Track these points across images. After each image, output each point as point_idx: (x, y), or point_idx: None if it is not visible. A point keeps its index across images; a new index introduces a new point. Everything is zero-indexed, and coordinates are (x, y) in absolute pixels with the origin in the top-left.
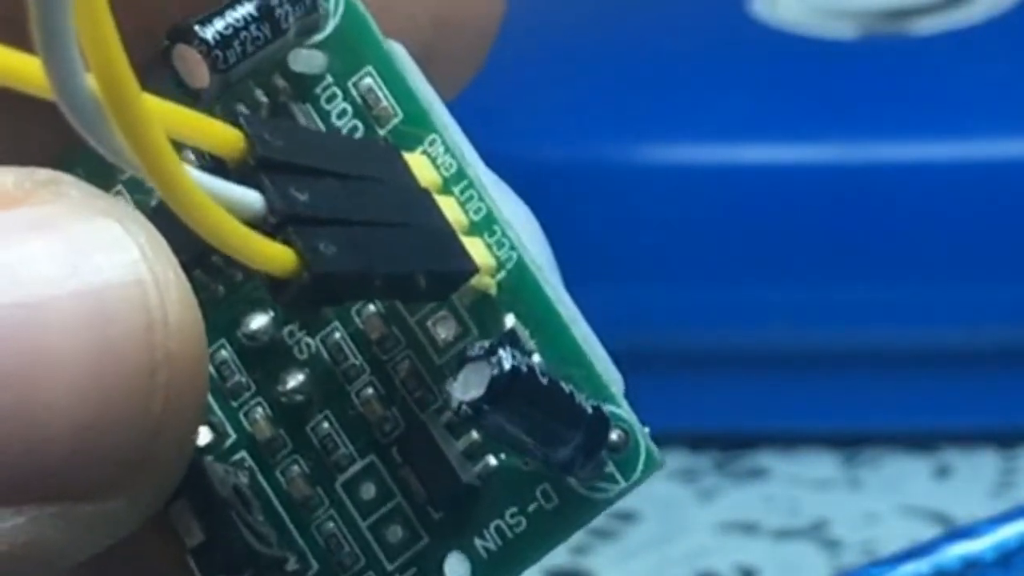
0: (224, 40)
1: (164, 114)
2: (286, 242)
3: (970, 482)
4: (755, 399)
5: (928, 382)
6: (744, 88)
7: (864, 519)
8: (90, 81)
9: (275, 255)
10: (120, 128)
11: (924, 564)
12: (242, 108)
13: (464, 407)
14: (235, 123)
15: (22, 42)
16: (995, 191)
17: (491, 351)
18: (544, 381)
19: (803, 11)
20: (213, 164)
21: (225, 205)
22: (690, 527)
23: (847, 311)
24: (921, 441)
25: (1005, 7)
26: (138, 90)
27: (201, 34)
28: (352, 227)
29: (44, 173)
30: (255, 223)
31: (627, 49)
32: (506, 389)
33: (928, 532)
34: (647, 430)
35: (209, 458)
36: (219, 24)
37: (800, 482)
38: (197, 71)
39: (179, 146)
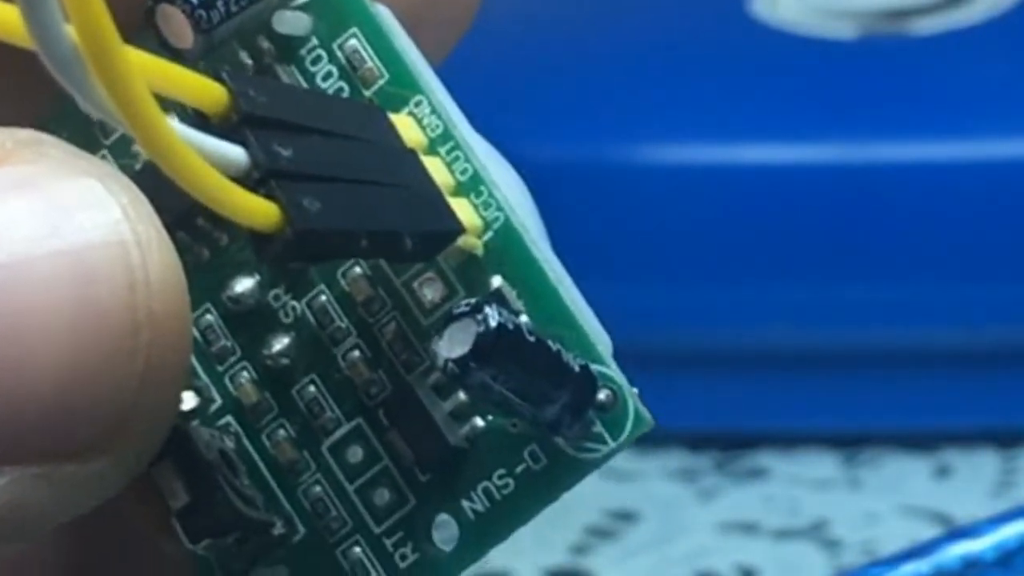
0: (206, 1)
1: (146, 67)
2: (269, 196)
3: (970, 482)
4: (755, 399)
5: (928, 382)
6: (744, 88)
7: (864, 519)
8: (71, 31)
9: (258, 209)
10: (101, 80)
11: (924, 564)
12: (229, 62)
13: (450, 364)
14: (219, 79)
15: None
16: (995, 191)
17: (477, 308)
18: (531, 339)
19: (803, 11)
20: (196, 119)
21: (209, 159)
22: (690, 527)
23: (847, 311)
24: (921, 441)
25: (1005, 7)
26: (119, 41)
27: None
28: (337, 184)
29: (25, 133)
30: (239, 178)
31: (627, 48)
32: (492, 346)
33: (928, 532)
34: (636, 391)
35: (195, 422)
36: None
37: (800, 482)
38: (181, 31)
39: (162, 103)
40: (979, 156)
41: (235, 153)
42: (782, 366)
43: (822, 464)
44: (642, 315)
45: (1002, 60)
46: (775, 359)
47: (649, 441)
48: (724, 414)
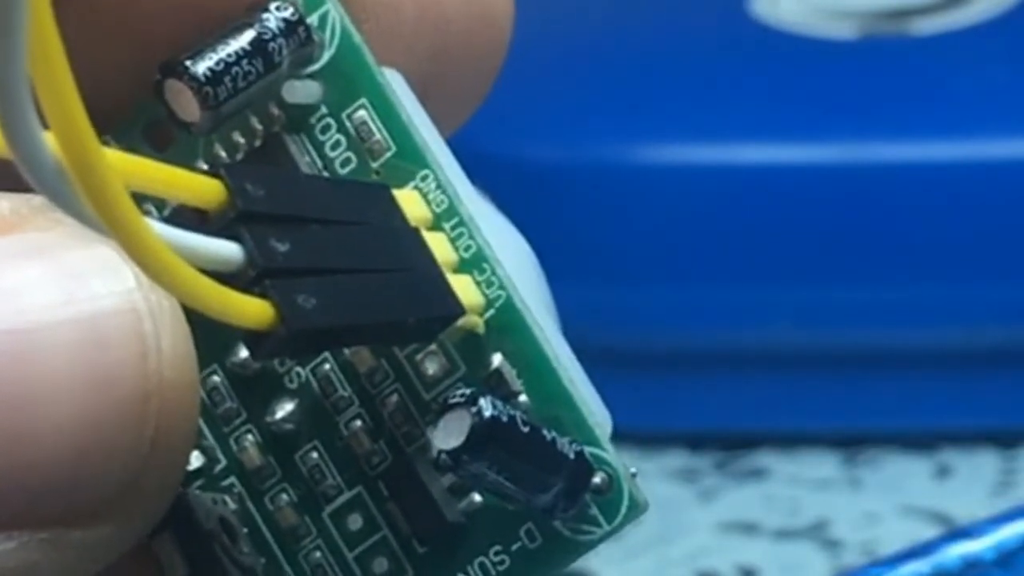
0: (215, 76)
1: (138, 171)
2: (264, 296)
3: (970, 482)
4: (755, 399)
5: (928, 383)
6: (745, 88)
7: (864, 519)
8: (48, 141)
9: (252, 310)
10: (84, 194)
11: (924, 564)
12: (237, 137)
13: (444, 456)
14: (216, 173)
15: None
16: (995, 191)
17: (472, 400)
18: (525, 430)
19: (803, 11)
20: (195, 214)
21: (202, 258)
22: (690, 527)
23: (847, 311)
24: (921, 441)
25: (1004, 8)
26: (102, 156)
27: (192, 70)
28: (335, 276)
29: (40, 199)
30: (235, 275)
31: (629, 49)
32: (486, 438)
33: (928, 532)
34: (633, 472)
35: (196, 488)
36: (211, 59)
37: (800, 482)
38: (188, 106)
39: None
40: (979, 156)
41: (230, 251)
42: (782, 366)
43: (822, 464)
44: (643, 316)
45: (1002, 60)
46: (775, 360)
47: (650, 442)
48: (724, 414)
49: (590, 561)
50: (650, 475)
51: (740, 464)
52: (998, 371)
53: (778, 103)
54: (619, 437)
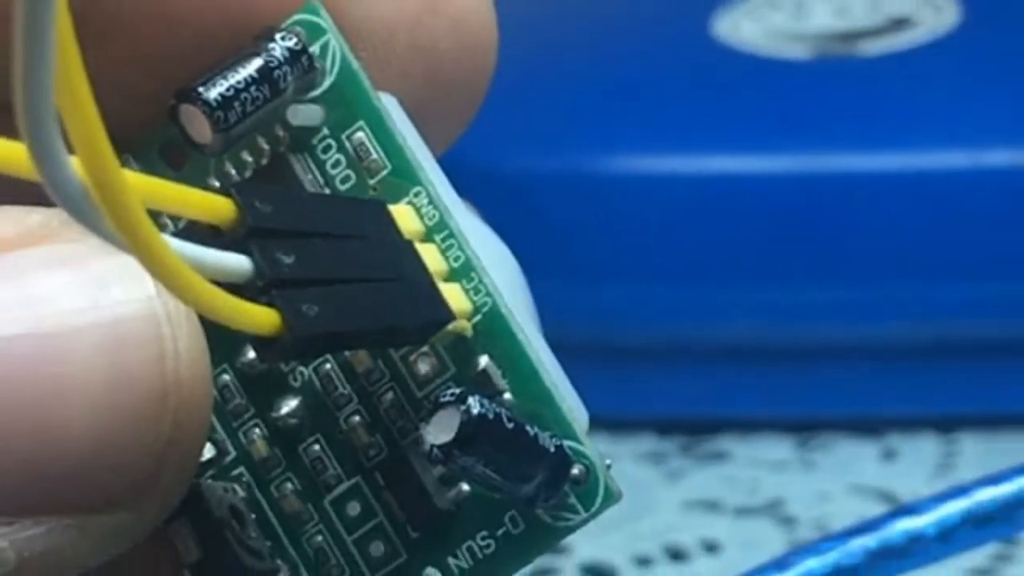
0: (225, 101)
1: (155, 192)
2: (271, 304)
3: (913, 464)
4: (718, 388)
5: (875, 373)
6: (709, 104)
7: (816, 498)
8: (74, 164)
9: (261, 318)
10: (106, 213)
11: (871, 539)
12: (246, 156)
13: (435, 450)
14: (227, 191)
15: (8, 128)
16: (934, 198)
17: (461, 398)
18: (509, 426)
19: (762, 34)
20: (208, 229)
21: (214, 271)
22: (658, 505)
23: (801, 308)
24: (868, 426)
25: (942, 32)
26: (123, 177)
27: (204, 96)
28: (335, 285)
29: (61, 215)
30: (245, 285)
31: (603, 69)
32: (473, 434)
33: (875, 509)
34: (608, 463)
35: (208, 477)
36: (221, 86)
37: (758, 464)
38: (201, 129)
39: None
40: (920, 166)
41: (240, 263)
42: (742, 359)
43: (778, 447)
44: (616, 312)
45: (942, 79)
46: (736, 352)
47: (621, 427)
48: (689, 402)
49: (567, 545)
50: (621, 457)
51: (703, 447)
52: (938, 362)
53: (738, 118)
54: (593, 423)
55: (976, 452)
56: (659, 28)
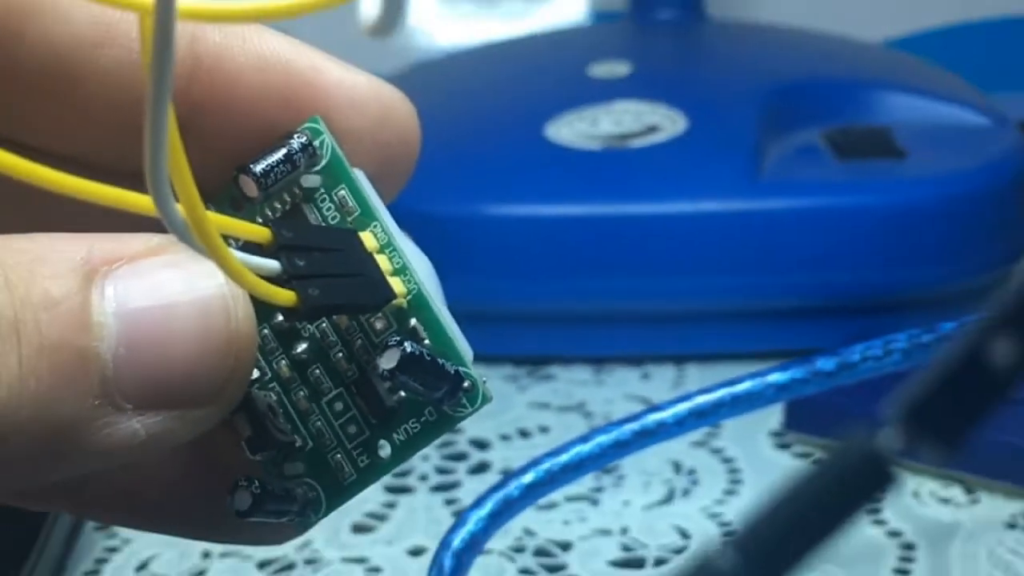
0: (265, 174)
1: (226, 224)
2: (291, 289)
3: (660, 382)
4: (547, 338)
5: (638, 330)
6: (542, 174)
7: (604, 401)
8: (179, 208)
9: (285, 297)
10: (197, 236)
11: (636, 424)
12: (277, 204)
13: (385, 372)
14: (266, 224)
15: (139, 186)
16: (671, 229)
17: (400, 342)
18: (428, 359)
19: (574, 135)
20: (255, 246)
21: (259, 269)
22: (513, 405)
23: (594, 293)
24: (635, 361)
25: (677, 134)
26: (205, 215)
27: (254, 170)
28: (329, 278)
29: (169, 237)
30: (276, 278)
31: (476, 151)
32: (407, 361)
33: (638, 407)
34: (485, 380)
35: (255, 388)
36: (263, 164)
37: (571, 382)
38: (251, 189)
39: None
40: (665, 211)
41: (273, 265)
42: (561, 321)
43: (582, 372)
44: (487, 293)
45: (676, 161)
46: (557, 318)
47: (492, 360)
48: (531, 346)
49: (461, 428)
50: (492, 377)
51: (539, 372)
52: (672, 325)
53: (561, 182)
54: (476, 357)
55: (696, 375)
56: (513, 129)
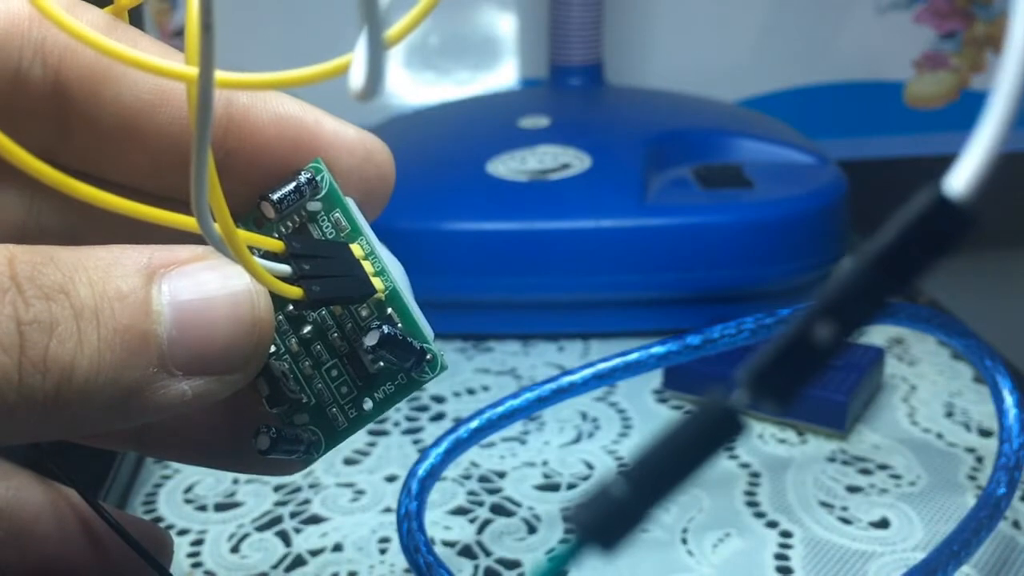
0: (280, 201)
1: (251, 238)
2: (299, 287)
3: (571, 353)
4: (488, 321)
5: (556, 314)
6: (484, 200)
7: (529, 368)
8: (216, 227)
9: (294, 292)
10: (229, 247)
11: (553, 384)
12: (288, 223)
13: (369, 347)
14: (280, 238)
15: (187, 210)
16: (580, 242)
17: (380, 326)
18: (400, 337)
19: (508, 171)
20: (270, 254)
21: (274, 272)
22: (462, 371)
23: (523, 287)
24: (551, 337)
25: (584, 169)
26: (236, 232)
27: (271, 197)
28: (328, 278)
29: (208, 248)
30: (288, 278)
31: (432, 181)
32: (385, 340)
33: (554, 372)
34: (443, 354)
35: (272, 359)
36: (279, 193)
37: (506, 353)
38: (270, 212)
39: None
40: (574, 227)
41: (285, 268)
42: (498, 308)
43: (513, 346)
44: (443, 288)
45: (583, 190)
46: (495, 305)
47: (447, 337)
48: (477, 326)
49: (425, 388)
50: (447, 350)
51: (482, 346)
52: (582, 311)
53: (497, 205)
54: (435, 336)
55: (598, 348)
56: (462, 166)
